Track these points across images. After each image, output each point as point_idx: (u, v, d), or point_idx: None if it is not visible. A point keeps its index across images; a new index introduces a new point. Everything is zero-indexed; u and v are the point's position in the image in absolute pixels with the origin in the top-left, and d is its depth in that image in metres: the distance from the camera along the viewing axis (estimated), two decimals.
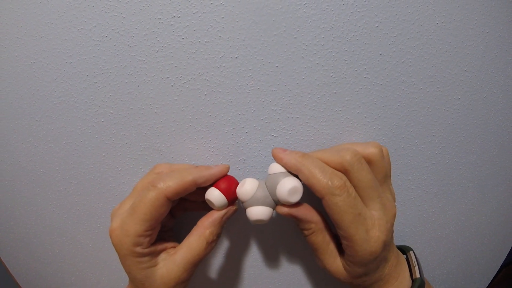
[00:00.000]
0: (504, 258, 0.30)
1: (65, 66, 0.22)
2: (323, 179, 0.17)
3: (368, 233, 0.17)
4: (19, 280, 0.31)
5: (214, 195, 0.19)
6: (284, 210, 0.19)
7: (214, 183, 0.20)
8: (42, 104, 0.23)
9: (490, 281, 0.31)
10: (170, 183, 0.18)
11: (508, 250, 0.30)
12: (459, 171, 0.26)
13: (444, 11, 0.22)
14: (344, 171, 0.18)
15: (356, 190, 0.18)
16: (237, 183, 0.20)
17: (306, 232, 0.20)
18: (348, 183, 0.17)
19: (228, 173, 0.21)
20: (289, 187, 0.18)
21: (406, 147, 0.24)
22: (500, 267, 0.31)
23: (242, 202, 0.19)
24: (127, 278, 0.20)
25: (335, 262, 0.20)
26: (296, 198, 0.18)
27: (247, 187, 0.19)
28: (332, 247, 0.20)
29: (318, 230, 0.19)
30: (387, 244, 0.18)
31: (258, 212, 0.19)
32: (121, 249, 0.18)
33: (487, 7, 0.22)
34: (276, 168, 0.19)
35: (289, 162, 0.18)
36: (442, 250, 0.29)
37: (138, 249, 0.18)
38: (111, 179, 0.25)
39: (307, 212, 0.19)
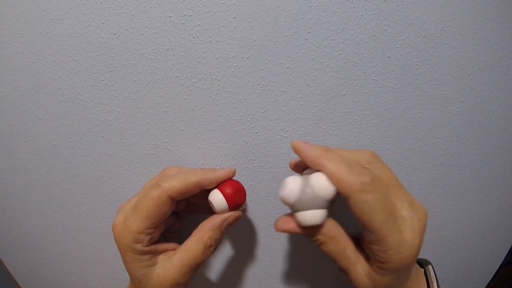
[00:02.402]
0: (503, 258, 0.31)
1: (71, 64, 0.22)
2: (351, 175, 0.15)
3: (401, 234, 0.15)
4: (19, 280, 0.30)
5: (216, 198, 0.19)
6: (283, 227, 0.18)
7: (219, 185, 0.19)
8: (47, 101, 0.23)
9: (489, 281, 0.31)
10: (174, 183, 0.18)
11: (507, 250, 0.31)
12: (461, 172, 0.27)
13: (450, 16, 0.22)
14: (348, 193, 0.16)
15: None
16: (243, 190, 0.20)
17: (315, 243, 0.18)
18: (377, 180, 0.16)
19: (236, 176, 0.20)
20: (323, 176, 0.16)
21: (411, 148, 0.25)
22: (499, 267, 0.31)
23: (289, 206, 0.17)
24: (129, 279, 0.20)
25: (354, 269, 0.18)
26: (331, 187, 0.16)
27: (290, 186, 0.17)
28: (350, 252, 0.18)
29: (327, 240, 0.18)
30: (420, 248, 0.17)
31: (310, 217, 0.16)
32: (121, 244, 0.18)
33: (491, 12, 0.23)
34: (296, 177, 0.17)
35: (312, 155, 0.16)
36: (442, 250, 0.29)
37: (138, 246, 0.18)
38: (117, 179, 0.24)
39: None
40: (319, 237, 0.18)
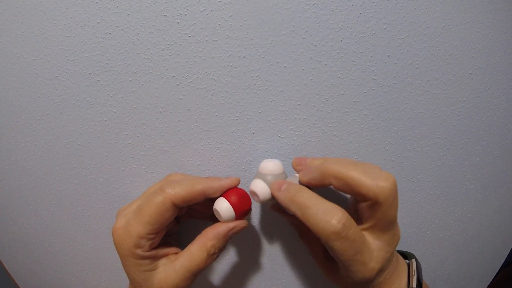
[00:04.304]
0: (504, 259, 0.31)
1: (67, 64, 0.22)
2: (318, 223, 0.16)
3: (364, 266, 0.17)
4: (18, 281, 0.30)
5: (223, 206, 0.18)
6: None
7: (224, 194, 0.19)
8: (43, 102, 0.23)
9: (489, 282, 0.31)
10: (179, 190, 0.18)
11: (508, 251, 0.31)
12: (462, 173, 0.26)
13: (450, 14, 0.22)
14: (374, 201, 0.16)
15: (374, 220, 0.17)
16: (249, 197, 0.20)
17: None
18: (347, 224, 0.16)
19: (235, 179, 0.20)
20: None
21: (412, 148, 0.24)
22: (500, 268, 0.31)
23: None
24: (127, 280, 0.20)
25: (325, 268, 0.20)
26: (275, 161, 0.20)
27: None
28: (322, 254, 0.20)
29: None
30: (382, 269, 0.18)
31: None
32: (121, 248, 0.18)
33: (492, 10, 0.22)
34: (266, 168, 0.20)
35: (283, 204, 0.18)
36: (444, 251, 0.29)
37: (139, 251, 0.18)
38: (113, 180, 0.24)
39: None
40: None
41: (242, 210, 0.19)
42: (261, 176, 0.19)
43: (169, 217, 0.18)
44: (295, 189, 0.18)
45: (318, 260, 0.21)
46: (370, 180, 0.16)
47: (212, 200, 0.19)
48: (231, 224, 0.19)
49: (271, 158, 0.23)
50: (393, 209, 0.17)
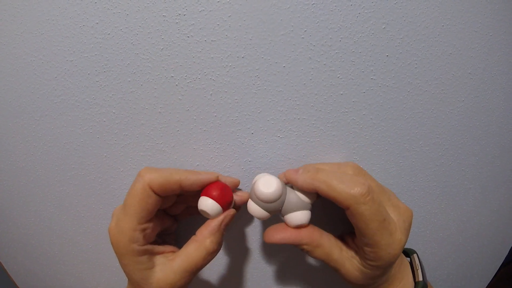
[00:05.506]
0: (503, 258, 0.31)
1: (66, 64, 0.22)
2: (345, 189, 0.16)
3: (391, 236, 0.17)
4: (17, 281, 0.30)
5: (207, 204, 0.19)
6: (272, 239, 0.19)
7: (204, 192, 0.19)
8: (42, 103, 0.23)
9: (489, 282, 0.31)
10: (156, 175, 0.18)
11: (508, 251, 0.31)
12: (461, 173, 0.26)
13: (450, 14, 0.22)
14: (346, 206, 0.17)
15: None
16: (228, 187, 0.20)
17: (303, 251, 0.20)
18: (371, 188, 0.16)
19: (226, 177, 0.20)
20: (262, 181, 0.18)
21: (411, 148, 0.24)
22: (499, 267, 0.31)
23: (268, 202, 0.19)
24: (126, 280, 0.20)
25: (344, 268, 0.19)
26: (271, 189, 0.18)
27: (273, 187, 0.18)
28: (336, 255, 0.19)
29: (313, 248, 0.19)
30: (405, 243, 0.18)
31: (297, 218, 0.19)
32: (118, 247, 0.18)
33: (491, 10, 0.22)
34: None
35: (305, 183, 0.18)
36: (443, 251, 0.29)
37: (134, 246, 0.18)
38: (112, 180, 0.24)
39: (296, 235, 0.19)
40: (305, 247, 0.19)
41: (226, 201, 0.19)
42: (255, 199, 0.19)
43: (153, 204, 0.18)
44: (314, 168, 0.18)
45: (333, 263, 0.20)
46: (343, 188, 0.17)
47: None
48: (221, 217, 0.19)
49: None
50: (369, 180, 0.18)
